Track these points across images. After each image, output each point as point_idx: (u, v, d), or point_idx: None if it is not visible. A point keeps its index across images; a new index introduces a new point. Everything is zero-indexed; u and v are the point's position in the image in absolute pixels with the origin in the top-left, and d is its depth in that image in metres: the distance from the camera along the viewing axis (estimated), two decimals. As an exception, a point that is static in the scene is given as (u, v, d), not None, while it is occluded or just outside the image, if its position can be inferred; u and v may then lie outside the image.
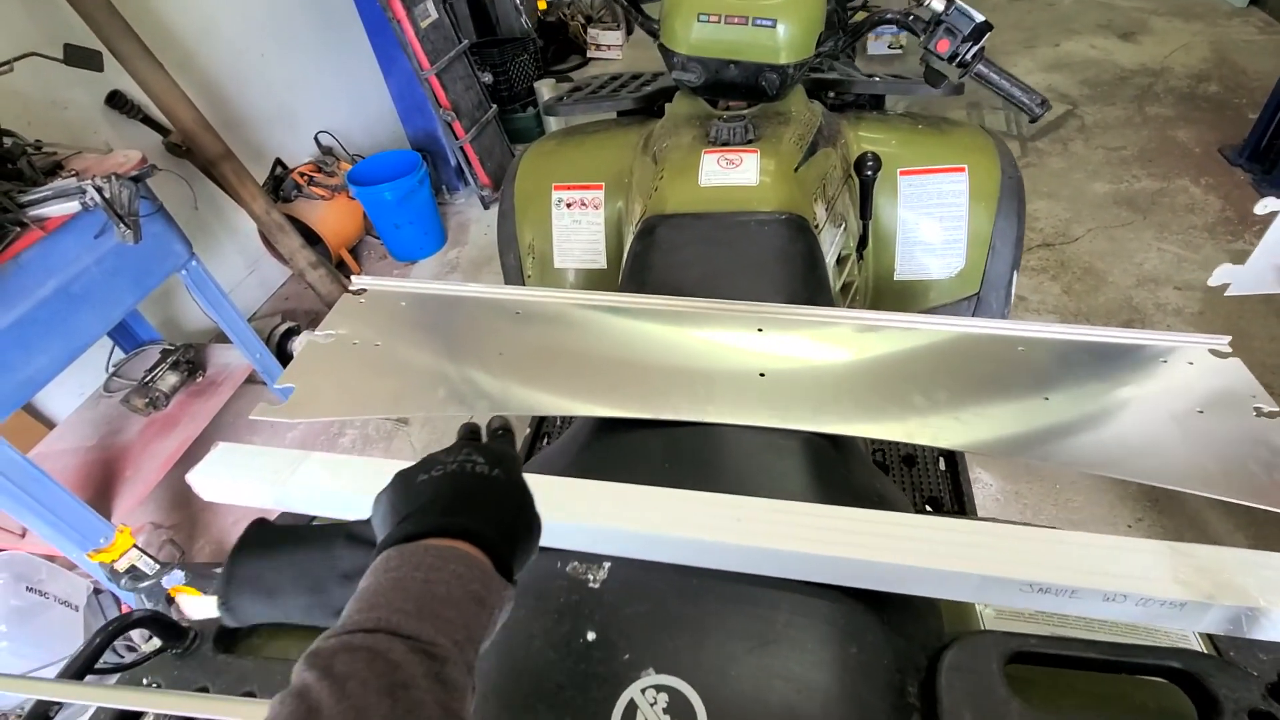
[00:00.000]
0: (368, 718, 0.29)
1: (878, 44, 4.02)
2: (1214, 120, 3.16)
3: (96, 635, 0.61)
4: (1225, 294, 0.58)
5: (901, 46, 4.02)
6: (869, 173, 1.18)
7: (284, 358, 2.38)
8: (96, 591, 1.80)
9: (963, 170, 1.33)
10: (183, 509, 2.09)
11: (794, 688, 0.53)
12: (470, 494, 0.42)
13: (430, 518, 0.40)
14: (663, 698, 0.53)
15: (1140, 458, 0.72)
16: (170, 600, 1.74)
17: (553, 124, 3.78)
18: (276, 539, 0.46)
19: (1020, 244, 1.37)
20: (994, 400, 0.79)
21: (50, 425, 2.08)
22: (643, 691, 0.53)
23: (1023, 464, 1.83)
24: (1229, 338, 0.85)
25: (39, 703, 0.54)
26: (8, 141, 1.55)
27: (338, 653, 0.32)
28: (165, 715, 0.56)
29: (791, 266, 0.97)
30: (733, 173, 1.01)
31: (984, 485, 1.78)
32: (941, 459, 1.46)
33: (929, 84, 1.08)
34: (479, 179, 3.29)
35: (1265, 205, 0.62)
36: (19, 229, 1.42)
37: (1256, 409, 0.75)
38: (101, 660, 0.60)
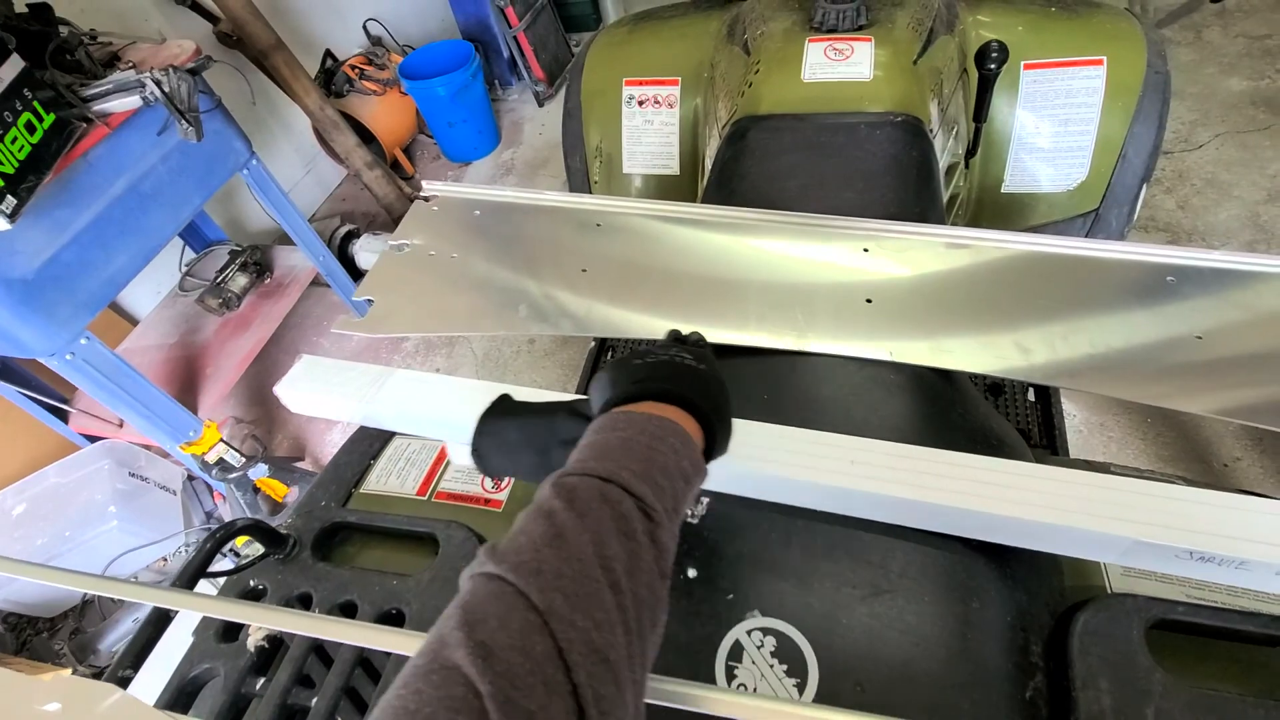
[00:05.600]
0: (604, 548, 0.33)
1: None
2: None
3: (206, 542, 0.63)
4: None
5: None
6: (993, 66, 1.02)
7: (345, 260, 2.38)
8: (190, 478, 1.93)
9: (1100, 63, 1.15)
10: (260, 405, 2.19)
11: (911, 640, 0.50)
12: (684, 376, 0.45)
13: (654, 384, 0.44)
14: (770, 641, 0.51)
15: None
16: (256, 489, 1.81)
17: (610, 9, 3.50)
18: (513, 407, 0.52)
19: (1156, 154, 1.20)
20: (1137, 338, 0.70)
21: (132, 322, 2.17)
22: (749, 633, 0.51)
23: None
24: None
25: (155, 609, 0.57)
26: (65, 31, 1.49)
27: (579, 488, 0.35)
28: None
29: (903, 177, 0.86)
30: (841, 65, 0.88)
31: (1067, 416, 1.69)
32: (1031, 389, 1.37)
33: None
34: (533, 73, 3.10)
35: None
36: (85, 124, 1.40)
37: None
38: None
